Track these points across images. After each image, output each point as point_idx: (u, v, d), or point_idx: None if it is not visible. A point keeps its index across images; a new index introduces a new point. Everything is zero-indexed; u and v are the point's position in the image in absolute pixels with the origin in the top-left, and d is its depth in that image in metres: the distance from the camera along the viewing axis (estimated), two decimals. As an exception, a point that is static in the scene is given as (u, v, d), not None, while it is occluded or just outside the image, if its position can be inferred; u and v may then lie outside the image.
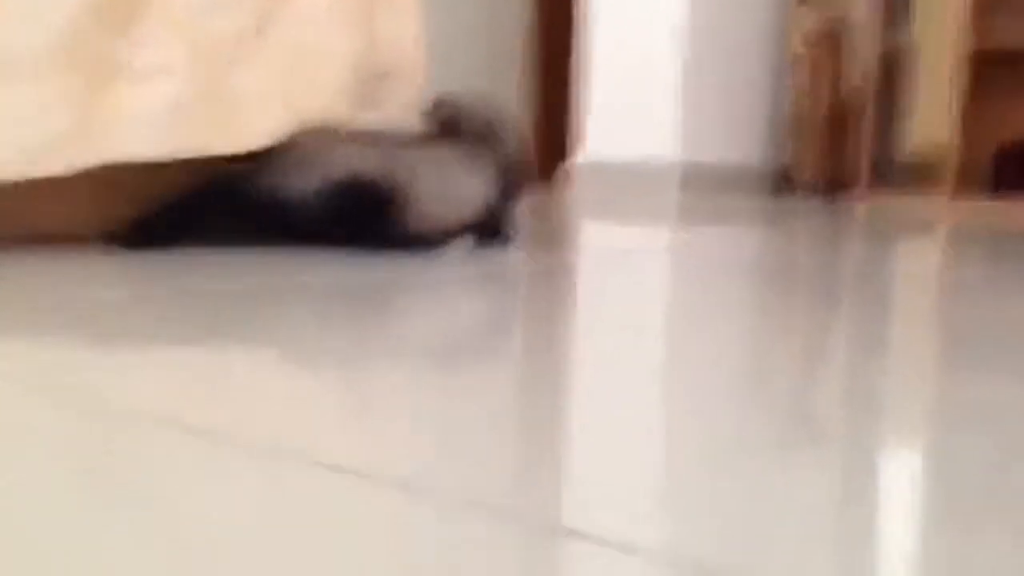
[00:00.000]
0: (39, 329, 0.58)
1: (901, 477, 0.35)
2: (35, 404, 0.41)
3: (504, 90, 5.12)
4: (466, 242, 1.21)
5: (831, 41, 3.73)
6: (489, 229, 1.23)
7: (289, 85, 1.09)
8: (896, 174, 3.58)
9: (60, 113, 0.89)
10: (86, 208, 1.05)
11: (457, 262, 1.02)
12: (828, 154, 3.79)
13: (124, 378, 0.47)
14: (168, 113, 0.97)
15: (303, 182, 1.05)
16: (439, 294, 0.80)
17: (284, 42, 1.09)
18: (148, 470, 0.33)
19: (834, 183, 3.80)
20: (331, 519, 0.29)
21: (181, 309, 0.67)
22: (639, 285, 0.89)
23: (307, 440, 0.37)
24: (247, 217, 1.08)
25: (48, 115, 0.88)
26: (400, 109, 1.23)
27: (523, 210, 2.09)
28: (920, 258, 1.39)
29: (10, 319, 0.61)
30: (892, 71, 3.53)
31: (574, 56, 3.85)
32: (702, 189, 3.56)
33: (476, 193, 1.19)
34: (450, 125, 1.23)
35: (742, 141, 3.82)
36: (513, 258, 1.10)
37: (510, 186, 1.24)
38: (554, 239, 1.45)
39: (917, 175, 3.49)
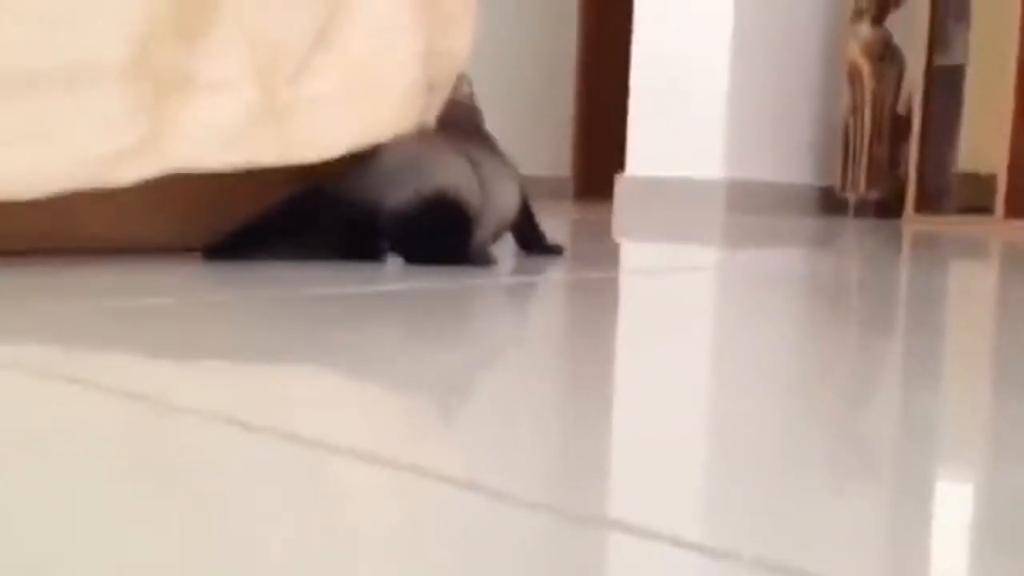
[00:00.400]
0: (108, 335, 0.60)
1: (948, 496, 0.35)
2: (100, 406, 0.43)
3: (555, 105, 5.14)
4: (510, 251, 1.22)
5: (881, 59, 3.70)
6: (523, 233, 1.24)
7: (357, 94, 1.10)
8: (948, 194, 3.54)
9: (129, 124, 0.91)
10: (167, 219, 1.07)
11: (507, 274, 1.03)
12: (878, 173, 3.76)
13: (188, 382, 0.49)
14: (236, 123, 0.99)
15: (396, 196, 1.05)
16: (494, 303, 0.81)
17: (350, 51, 1.11)
18: (209, 468, 0.34)
19: (884, 203, 3.76)
20: (385, 514, 0.30)
21: (246, 316, 0.69)
22: (686, 302, 0.90)
23: (362, 438, 0.38)
24: (336, 230, 1.07)
25: (117, 125, 0.91)
26: (432, 120, 1.25)
27: (568, 225, 2.09)
28: (973, 280, 1.37)
29: (77, 325, 0.63)
30: (944, 89, 3.49)
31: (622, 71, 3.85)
32: (748, 208, 3.54)
33: (515, 198, 1.20)
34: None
35: (789, 159, 3.79)
36: (560, 272, 1.11)
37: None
38: (598, 255, 1.45)
39: (969, 195, 3.44)
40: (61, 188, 0.88)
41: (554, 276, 1.06)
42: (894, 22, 3.74)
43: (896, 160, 3.78)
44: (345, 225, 1.05)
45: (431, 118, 1.23)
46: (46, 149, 0.87)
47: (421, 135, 1.15)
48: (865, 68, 3.70)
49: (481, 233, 1.09)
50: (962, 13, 3.44)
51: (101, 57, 0.90)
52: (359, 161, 1.08)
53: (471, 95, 1.28)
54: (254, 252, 1.04)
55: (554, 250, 1.27)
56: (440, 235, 1.05)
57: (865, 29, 3.69)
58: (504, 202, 1.17)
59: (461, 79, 1.27)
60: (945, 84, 3.49)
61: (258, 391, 0.46)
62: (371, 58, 1.12)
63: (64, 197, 0.90)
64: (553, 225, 2.17)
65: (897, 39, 3.73)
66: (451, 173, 1.07)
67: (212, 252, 1.03)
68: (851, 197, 3.77)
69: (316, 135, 1.06)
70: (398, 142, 1.10)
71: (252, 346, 0.57)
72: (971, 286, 1.24)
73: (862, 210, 3.76)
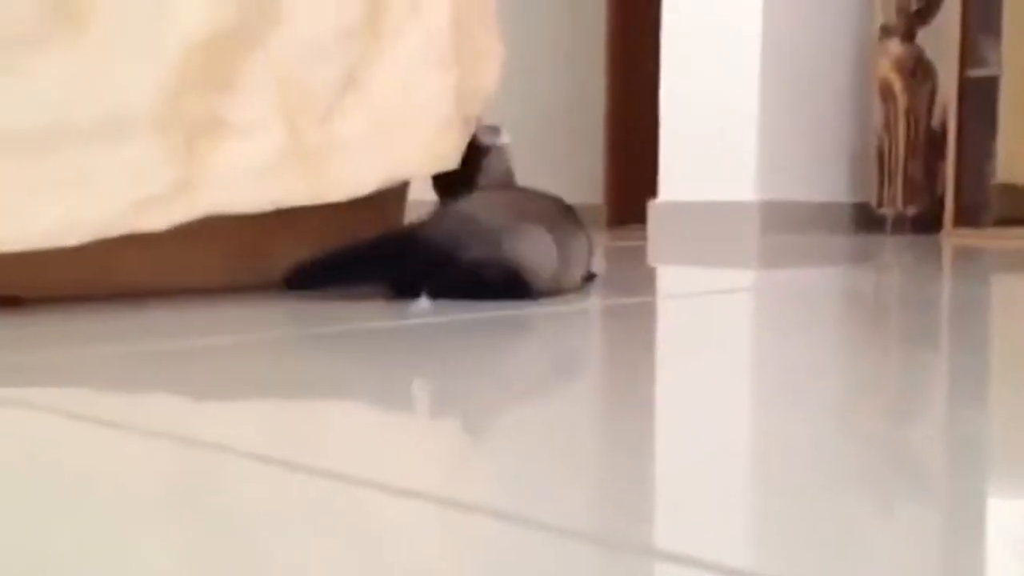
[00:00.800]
0: (146, 377, 0.61)
1: (999, 515, 0.34)
2: (139, 448, 0.43)
3: (586, 133, 5.16)
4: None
5: (913, 75, 3.68)
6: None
7: (386, 132, 1.12)
8: (986, 206, 3.49)
9: (162, 171, 0.93)
10: (203, 261, 1.09)
11: (548, 302, 1.04)
12: (914, 188, 3.72)
13: (228, 421, 0.49)
14: (266, 166, 1.01)
15: (473, 253, 1.03)
16: (535, 331, 0.81)
17: (380, 90, 1.12)
18: (246, 505, 0.35)
19: (922, 218, 3.72)
20: (423, 547, 0.30)
21: (294, 352, 0.70)
22: (724, 324, 0.89)
23: (400, 471, 0.38)
24: (408, 270, 1.06)
25: (151, 173, 0.93)
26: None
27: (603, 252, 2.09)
28: (1014, 294, 1.35)
29: (111, 369, 0.64)
30: (978, 101, 3.46)
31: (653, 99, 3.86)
32: (783, 228, 3.52)
33: (583, 271, 1.21)
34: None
35: (823, 178, 3.77)
36: (598, 298, 1.11)
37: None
38: (636, 280, 1.45)
39: (1009, 206, 3.40)
40: (97, 235, 0.90)
41: (593, 303, 1.06)
42: (925, 36, 3.72)
43: (933, 174, 3.75)
44: (415, 265, 1.05)
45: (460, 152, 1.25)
46: (83, 198, 0.89)
47: (511, 191, 1.15)
48: (897, 84, 3.67)
49: (537, 293, 1.09)
50: (992, 24, 3.41)
51: (135, 108, 0.92)
52: (446, 206, 1.09)
53: (508, 146, 1.29)
54: (331, 282, 1.05)
55: (588, 277, 1.27)
56: (498, 296, 1.04)
57: (895, 46, 3.67)
58: (576, 274, 1.18)
59: (499, 131, 1.28)
60: (978, 96, 3.46)
61: (299, 427, 0.47)
62: (400, 95, 1.14)
63: (102, 243, 0.92)
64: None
65: (928, 53, 3.71)
66: (535, 253, 1.06)
67: (294, 281, 1.05)
68: (888, 213, 3.73)
69: (345, 174, 1.07)
70: (487, 193, 1.11)
71: (298, 382, 0.58)
72: (1014, 300, 1.22)
73: (899, 226, 3.72)
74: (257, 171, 1.00)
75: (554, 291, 1.10)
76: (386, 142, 1.11)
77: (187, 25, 0.97)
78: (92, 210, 0.90)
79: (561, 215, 1.17)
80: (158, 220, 0.94)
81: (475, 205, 1.10)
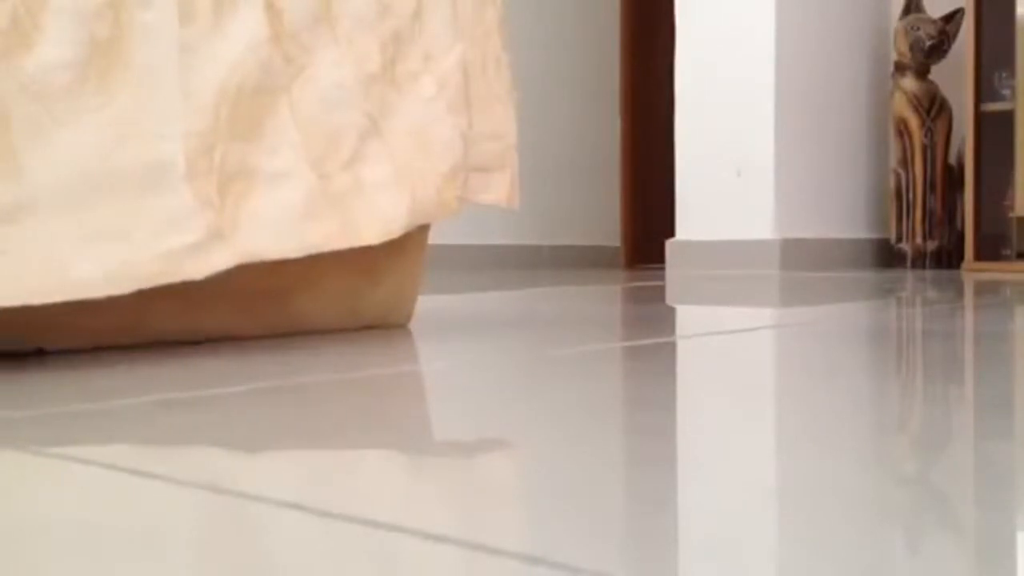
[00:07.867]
0: (173, 426, 0.62)
1: (1031, 539, 0.34)
2: (172, 499, 0.44)
3: (602, 174, 5.18)
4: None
5: (929, 112, 3.68)
6: None
7: (408, 175, 1.13)
8: (1007, 240, 3.48)
9: (197, 220, 0.95)
10: (228, 309, 1.10)
11: (555, 347, 1.04)
12: (933, 224, 3.71)
13: (258, 470, 0.50)
14: (299, 211, 1.02)
15: None
16: (552, 375, 0.81)
17: (400, 137, 1.14)
18: (279, 554, 0.35)
19: (942, 253, 3.71)
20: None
21: (306, 401, 0.70)
22: (748, 362, 0.89)
23: (425, 516, 0.38)
24: None
25: (186, 223, 0.94)
26: (500, 200, 1.27)
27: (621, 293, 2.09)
28: (1038, 325, 1.34)
29: (140, 419, 0.65)
30: (995, 136, 3.46)
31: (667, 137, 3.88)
32: (802, 265, 3.51)
33: None
34: None
35: (841, 215, 3.77)
36: (616, 341, 1.11)
37: None
38: (654, 320, 1.45)
39: (1029, 241, 3.38)
40: (136, 286, 0.91)
41: (610, 345, 1.06)
42: (939, 72, 3.73)
43: (951, 209, 3.74)
44: None
45: (495, 199, 1.25)
46: (122, 248, 0.90)
47: None
48: (913, 120, 3.68)
49: None
50: (1006, 58, 3.42)
51: (169, 158, 0.94)
52: None
53: None
54: None
55: None
56: None
57: (910, 82, 3.69)
58: None
59: None
60: (995, 130, 3.46)
61: (326, 476, 0.47)
62: (418, 142, 1.15)
63: (134, 292, 0.93)
64: (606, 292, 2.17)
65: (943, 88, 3.72)
66: None
67: None
68: (907, 249, 3.72)
69: (375, 216, 1.09)
70: None
71: (310, 431, 0.58)
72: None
73: (919, 261, 3.71)
74: (289, 217, 1.02)
75: None
76: (408, 187, 1.13)
77: (214, 74, 0.99)
78: (131, 261, 0.91)
79: None
80: (195, 269, 0.95)
81: None
